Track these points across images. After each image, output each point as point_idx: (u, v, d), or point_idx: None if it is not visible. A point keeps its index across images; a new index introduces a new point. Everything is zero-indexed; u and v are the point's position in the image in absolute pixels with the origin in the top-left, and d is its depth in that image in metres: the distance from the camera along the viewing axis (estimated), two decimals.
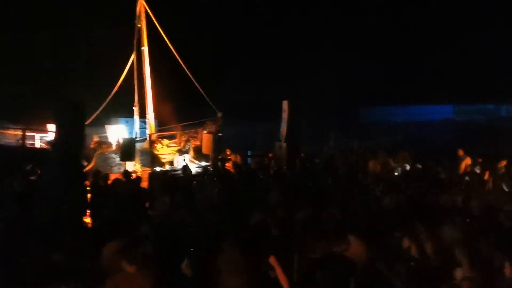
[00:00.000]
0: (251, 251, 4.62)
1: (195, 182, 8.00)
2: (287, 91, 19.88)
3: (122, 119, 15.91)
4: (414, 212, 5.52)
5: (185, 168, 9.88)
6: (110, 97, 14.41)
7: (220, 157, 11.85)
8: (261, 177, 9.05)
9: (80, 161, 8.25)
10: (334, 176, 9.03)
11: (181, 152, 13.68)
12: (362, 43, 27.76)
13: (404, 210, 5.72)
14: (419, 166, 10.13)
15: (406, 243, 4.27)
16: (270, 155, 11.97)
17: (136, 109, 14.74)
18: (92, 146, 12.71)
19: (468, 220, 5.11)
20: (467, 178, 9.15)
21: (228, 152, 12.92)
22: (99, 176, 8.22)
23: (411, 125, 23.55)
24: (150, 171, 10.97)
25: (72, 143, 7.62)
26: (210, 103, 15.17)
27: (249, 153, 15.31)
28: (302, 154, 12.40)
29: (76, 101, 8.11)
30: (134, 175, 10.01)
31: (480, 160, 10.64)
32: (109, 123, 15.06)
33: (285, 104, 13.34)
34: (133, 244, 4.47)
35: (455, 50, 26.01)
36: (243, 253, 4.60)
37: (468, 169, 10.34)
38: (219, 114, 14.84)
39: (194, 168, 12.60)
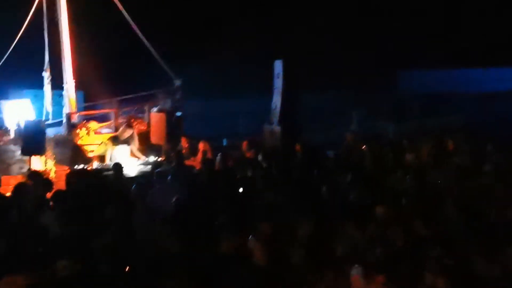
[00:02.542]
0: None
1: (134, 186, 8.13)
2: (284, 48, 20.00)
3: (28, 91, 15.86)
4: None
5: (117, 166, 10.11)
6: (5, 56, 14.33)
7: (178, 149, 11.84)
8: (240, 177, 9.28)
9: None
10: (353, 179, 9.14)
11: (117, 141, 13.66)
12: None
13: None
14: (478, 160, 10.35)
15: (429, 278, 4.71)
16: (244, 144, 12.08)
17: (47, 76, 14.65)
18: None
19: None
20: None
21: (184, 141, 12.98)
22: None
23: (473, 97, 23.87)
24: (69, 171, 10.91)
25: None
26: (164, 66, 15.10)
27: (225, 142, 15.38)
28: (305, 144, 12.48)
29: None
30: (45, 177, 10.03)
31: None
32: (5, 98, 14.97)
33: (278, 66, 13.34)
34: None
35: None
36: None
37: None
38: (178, 83, 14.78)
39: (138, 165, 12.67)
